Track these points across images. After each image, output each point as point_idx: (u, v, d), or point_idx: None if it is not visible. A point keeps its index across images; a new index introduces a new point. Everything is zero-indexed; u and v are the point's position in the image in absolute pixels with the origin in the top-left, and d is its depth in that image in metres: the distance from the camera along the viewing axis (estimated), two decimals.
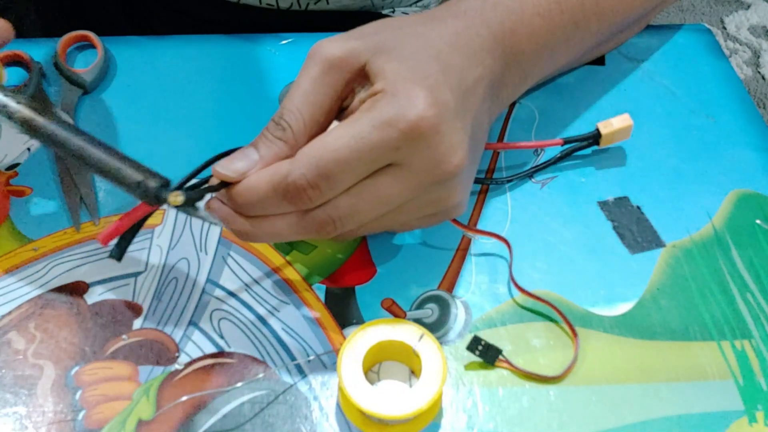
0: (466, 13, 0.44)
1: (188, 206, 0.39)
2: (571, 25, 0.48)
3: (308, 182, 0.38)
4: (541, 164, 0.51)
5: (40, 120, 0.40)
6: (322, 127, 0.40)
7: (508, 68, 0.45)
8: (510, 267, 0.46)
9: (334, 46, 0.40)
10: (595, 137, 0.51)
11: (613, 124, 0.51)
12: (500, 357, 0.42)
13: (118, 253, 0.41)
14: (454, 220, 0.46)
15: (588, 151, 0.52)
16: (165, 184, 0.39)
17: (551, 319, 0.44)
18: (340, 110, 0.41)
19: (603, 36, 0.53)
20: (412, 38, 0.41)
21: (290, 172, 0.38)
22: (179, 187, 0.39)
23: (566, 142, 0.50)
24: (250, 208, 0.39)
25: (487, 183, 0.50)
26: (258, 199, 0.39)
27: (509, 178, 0.50)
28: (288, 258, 0.46)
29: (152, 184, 0.38)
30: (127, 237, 0.41)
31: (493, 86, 0.44)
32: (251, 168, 0.39)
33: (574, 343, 0.43)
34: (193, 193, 0.39)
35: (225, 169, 0.39)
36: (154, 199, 0.38)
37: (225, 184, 0.40)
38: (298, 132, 0.39)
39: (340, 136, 0.38)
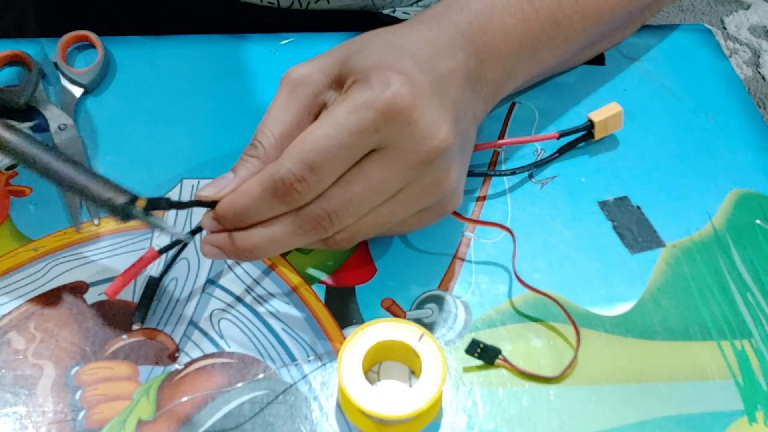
0: (433, 18, 0.45)
1: (153, 213, 0.39)
2: (551, 24, 0.49)
3: (295, 176, 0.38)
4: (541, 160, 0.51)
5: (6, 135, 0.40)
6: None
7: (485, 65, 0.45)
8: (513, 257, 0.46)
9: (300, 67, 0.42)
10: (589, 128, 0.51)
11: (602, 112, 0.51)
12: (500, 357, 0.42)
13: (141, 317, 0.43)
14: (456, 213, 0.46)
15: (588, 150, 0.52)
16: (132, 200, 0.39)
17: (551, 319, 0.44)
18: None
19: (593, 35, 0.53)
20: (379, 43, 0.42)
21: (276, 170, 0.39)
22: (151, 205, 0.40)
23: (561, 135, 0.51)
24: (244, 215, 0.40)
25: (489, 175, 0.50)
26: (250, 202, 0.40)
27: (512, 171, 0.50)
28: (288, 258, 0.46)
29: (120, 200, 0.38)
30: (145, 302, 0.43)
31: (470, 80, 0.44)
32: (228, 185, 0.41)
33: (576, 339, 0.43)
34: (161, 201, 0.39)
35: (204, 191, 0.41)
36: (124, 216, 0.39)
37: (202, 203, 0.41)
38: (269, 147, 0.41)
39: (318, 127, 0.39)
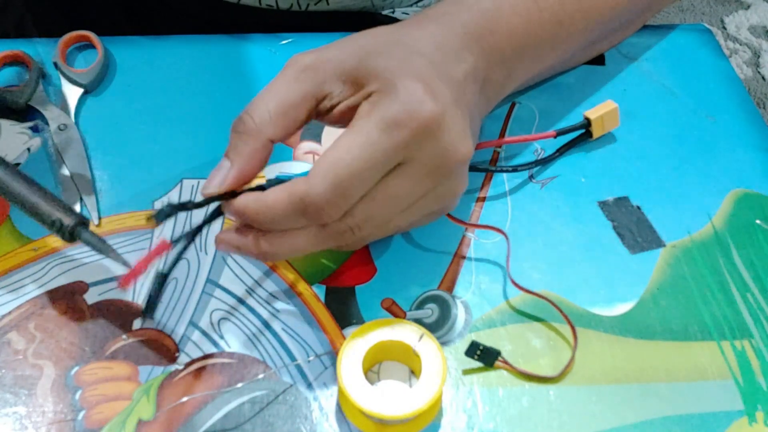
0: (440, 17, 0.45)
1: (161, 219, 0.40)
2: (554, 24, 0.49)
3: (327, 201, 0.38)
4: (541, 159, 0.51)
5: None
6: (294, 121, 0.40)
7: (491, 66, 0.45)
8: (507, 260, 0.46)
9: (308, 54, 0.41)
10: (585, 125, 0.51)
11: (598, 110, 0.51)
12: (499, 358, 0.42)
13: (150, 310, 0.42)
14: (452, 216, 0.46)
15: (588, 150, 0.52)
16: (81, 222, 0.40)
17: (551, 319, 0.44)
18: (316, 113, 0.41)
19: (594, 34, 0.53)
20: (392, 42, 0.42)
21: (307, 192, 0.38)
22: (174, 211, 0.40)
23: (559, 133, 0.51)
24: (267, 225, 0.40)
25: (491, 170, 0.50)
26: (276, 218, 0.39)
27: (513, 167, 0.50)
28: (288, 259, 0.46)
29: (68, 222, 0.40)
30: (156, 293, 0.43)
31: (478, 82, 0.44)
32: (227, 176, 0.40)
33: (573, 339, 0.43)
34: (167, 209, 0.40)
35: (209, 189, 0.40)
36: (69, 237, 0.40)
37: (214, 199, 0.40)
38: (263, 123, 0.40)
39: (350, 147, 0.38)
